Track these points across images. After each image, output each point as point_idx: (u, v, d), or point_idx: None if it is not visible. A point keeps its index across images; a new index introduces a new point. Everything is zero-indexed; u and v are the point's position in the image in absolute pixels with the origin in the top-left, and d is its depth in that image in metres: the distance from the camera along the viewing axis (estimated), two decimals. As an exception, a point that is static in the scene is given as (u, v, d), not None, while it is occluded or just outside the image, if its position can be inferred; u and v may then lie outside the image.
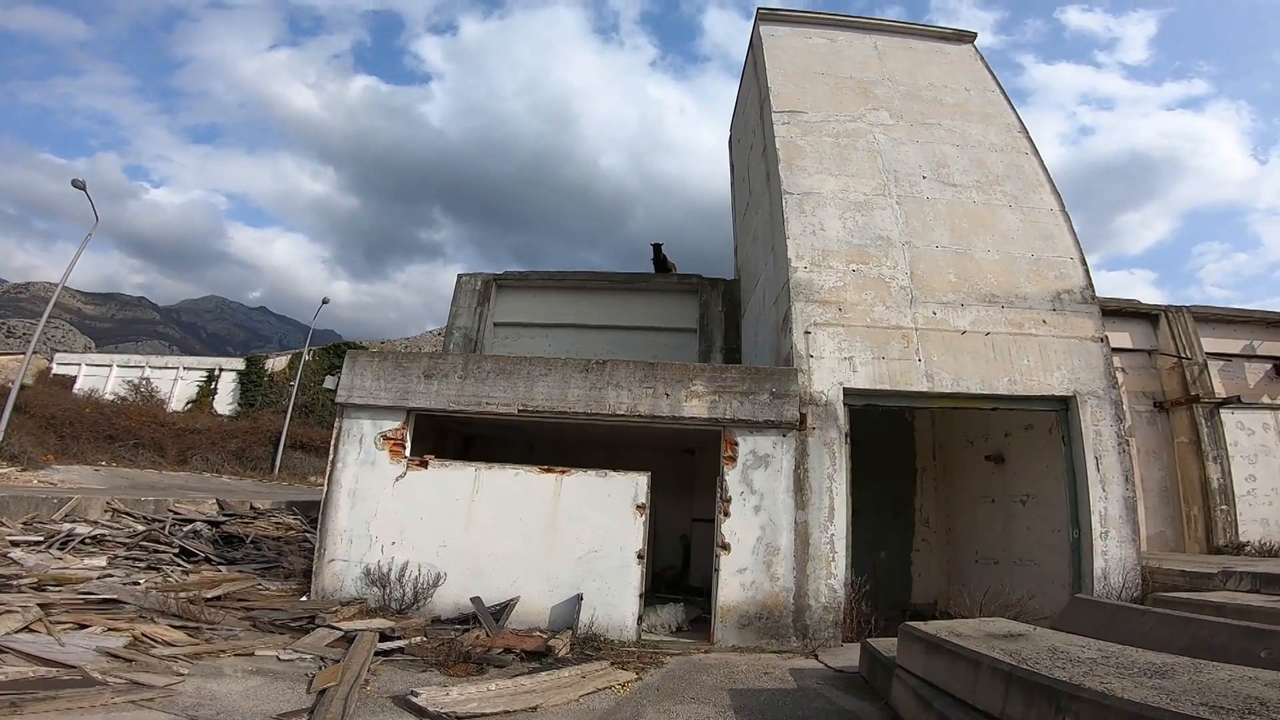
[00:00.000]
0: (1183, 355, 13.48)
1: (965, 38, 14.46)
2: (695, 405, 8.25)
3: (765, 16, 14.48)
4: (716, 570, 7.95)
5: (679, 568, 12.21)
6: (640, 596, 7.99)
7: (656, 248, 15.76)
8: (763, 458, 8.12)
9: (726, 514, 7.98)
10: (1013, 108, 12.67)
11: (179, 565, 10.11)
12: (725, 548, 7.94)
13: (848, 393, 8.43)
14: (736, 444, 8.15)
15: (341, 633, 7.02)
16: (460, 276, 15.07)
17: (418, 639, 7.32)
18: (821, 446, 8.14)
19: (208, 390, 45.37)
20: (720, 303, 14.26)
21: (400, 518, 8.51)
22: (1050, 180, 11.22)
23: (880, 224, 10.19)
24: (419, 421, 10.44)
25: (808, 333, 8.81)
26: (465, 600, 8.03)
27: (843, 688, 6.25)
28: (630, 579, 8.00)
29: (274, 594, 8.81)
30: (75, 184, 23.62)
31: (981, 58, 13.95)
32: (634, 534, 8.07)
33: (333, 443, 9.00)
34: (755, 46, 14.29)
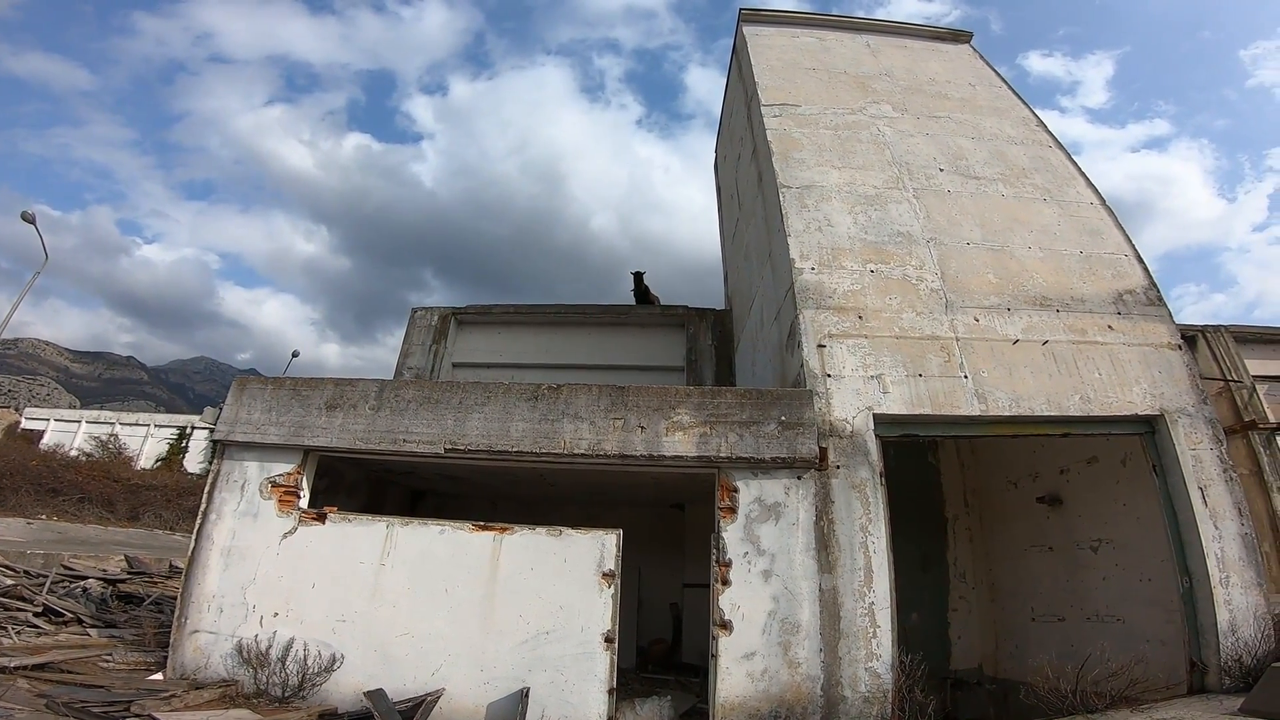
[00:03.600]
0: (1229, 378, 11.55)
1: (961, 37, 12.89)
2: (679, 440, 6.00)
3: (748, 17, 12.83)
4: (714, 656, 5.60)
5: (669, 641, 9.75)
6: (610, 692, 5.62)
7: (637, 277, 13.60)
8: (772, 507, 5.85)
9: (725, 582, 5.65)
10: (1025, 103, 10.94)
11: (36, 627, 7.91)
12: (725, 627, 5.59)
13: (879, 420, 6.23)
14: (736, 490, 5.88)
15: (162, 726, 4.94)
16: (414, 311, 12.89)
17: (281, 747, 5.04)
18: (850, 490, 5.89)
19: (178, 448, 42.78)
20: (710, 336, 12.13)
21: (287, 584, 6.30)
22: (1084, 173, 9.38)
23: (898, 219, 8.21)
24: (345, 472, 8.24)
25: (822, 346, 6.65)
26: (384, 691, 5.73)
27: None
28: (595, 669, 5.65)
29: (119, 668, 6.57)
30: (25, 217, 21.45)
31: (981, 56, 12.34)
32: (599, 610, 5.73)
33: (206, 489, 6.74)
34: (739, 49, 12.61)
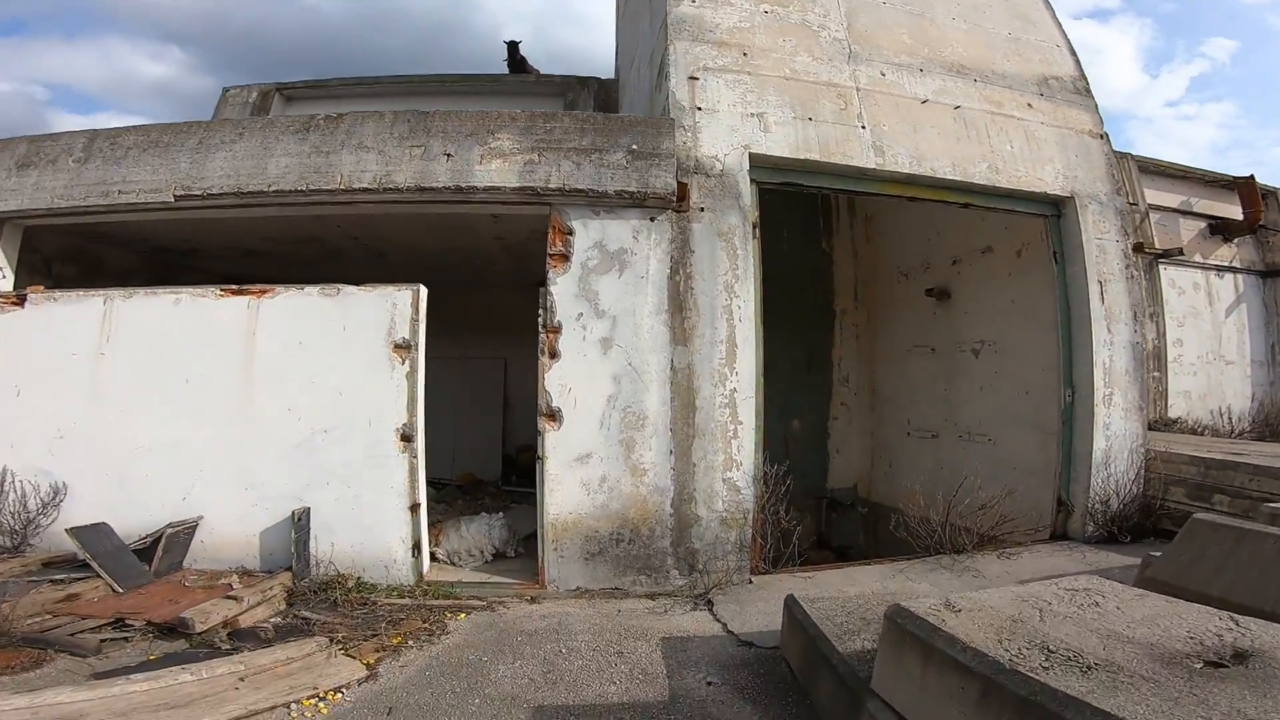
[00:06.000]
0: (1128, 201, 11.20)
1: None
2: (496, 169, 4.41)
3: None
4: (541, 458, 4.42)
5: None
6: (413, 509, 4.39)
7: (512, 47, 11.29)
8: (616, 255, 4.48)
9: (554, 354, 4.36)
10: None
11: None
12: (553, 417, 4.38)
13: (756, 162, 4.89)
14: (571, 233, 4.45)
15: None
16: (226, 90, 10.26)
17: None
18: (715, 238, 4.60)
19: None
20: (593, 105, 10.27)
21: (-20, 395, 4.60)
22: (1030, -38, 8.05)
23: (805, -36, 6.63)
24: (106, 254, 6.65)
25: (694, 79, 5.12)
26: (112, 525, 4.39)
27: (756, 689, 2.99)
28: (390, 478, 4.37)
29: None
30: None
31: None
32: (391, 396, 4.35)
33: None
34: None
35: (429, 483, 8.38)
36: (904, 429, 7.68)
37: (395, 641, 3.65)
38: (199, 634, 3.58)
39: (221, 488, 4.46)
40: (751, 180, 4.80)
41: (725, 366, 4.56)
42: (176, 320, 4.51)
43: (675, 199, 4.48)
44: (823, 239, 8.34)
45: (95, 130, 5.06)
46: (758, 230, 4.75)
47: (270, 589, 4.10)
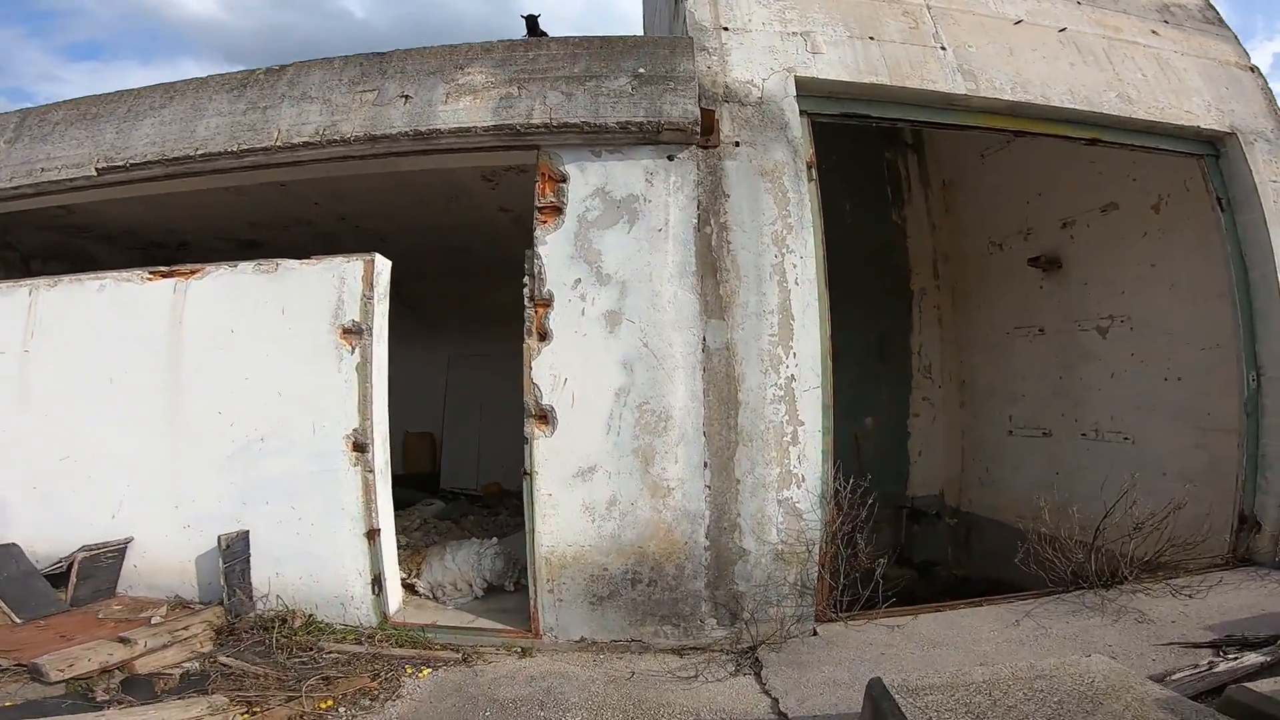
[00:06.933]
0: None
1: None
2: (466, 107, 3.47)
3: None
4: (529, 474, 3.41)
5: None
6: (370, 535, 3.48)
7: (531, 21, 10.58)
8: (624, 203, 3.47)
9: (543, 335, 3.36)
10: None
11: None
12: (544, 419, 3.38)
13: (806, 88, 3.80)
14: (565, 180, 3.46)
15: None
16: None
17: None
18: (756, 178, 3.53)
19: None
20: None
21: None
22: None
23: None
24: (98, 253, 6.02)
25: None
26: (43, 547, 3.82)
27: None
28: (341, 496, 3.49)
29: None
30: None
31: None
32: (339, 393, 3.47)
33: None
34: None
35: (443, 494, 7.65)
36: (1004, 426, 6.37)
37: (322, 707, 2.75)
38: (62, 682, 2.85)
39: (151, 505, 3.75)
40: (802, 111, 3.70)
41: (779, 346, 3.47)
42: (101, 310, 3.80)
43: (700, 131, 3.42)
44: (892, 210, 7.10)
45: (29, 109, 4.52)
46: (814, 171, 3.64)
47: (187, 628, 3.31)
